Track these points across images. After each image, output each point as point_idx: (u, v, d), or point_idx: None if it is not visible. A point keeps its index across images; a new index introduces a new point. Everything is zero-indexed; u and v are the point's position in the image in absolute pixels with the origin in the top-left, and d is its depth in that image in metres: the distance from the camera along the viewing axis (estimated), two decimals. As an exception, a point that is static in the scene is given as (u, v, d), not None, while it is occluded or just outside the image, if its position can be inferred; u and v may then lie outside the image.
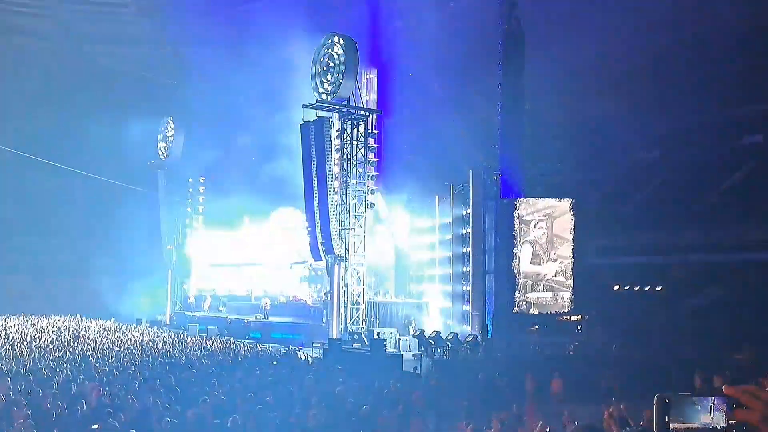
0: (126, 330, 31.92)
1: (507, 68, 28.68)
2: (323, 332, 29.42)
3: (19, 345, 22.10)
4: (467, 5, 35.50)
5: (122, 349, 22.88)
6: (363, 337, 27.21)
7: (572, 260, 27.94)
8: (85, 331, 30.12)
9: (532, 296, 27.57)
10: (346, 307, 29.23)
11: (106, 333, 29.46)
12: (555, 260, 27.86)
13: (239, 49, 43.96)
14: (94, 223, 46.82)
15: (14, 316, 36.35)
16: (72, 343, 23.53)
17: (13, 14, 47.77)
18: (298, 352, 24.34)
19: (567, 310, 27.73)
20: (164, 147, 42.50)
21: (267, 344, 28.78)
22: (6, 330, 27.45)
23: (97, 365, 17.81)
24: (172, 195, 42.95)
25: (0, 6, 47.49)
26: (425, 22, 35.76)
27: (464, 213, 29.58)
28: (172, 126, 41.77)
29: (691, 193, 31.33)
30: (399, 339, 27.55)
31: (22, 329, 28.58)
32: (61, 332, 28.20)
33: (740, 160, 31.37)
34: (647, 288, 30.48)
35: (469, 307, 28.52)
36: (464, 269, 29.11)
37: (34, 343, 23.11)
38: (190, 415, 11.51)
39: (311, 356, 25.07)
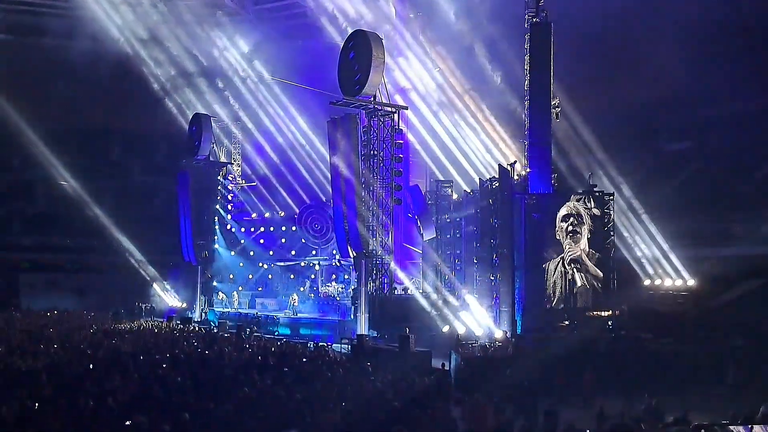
0: (158, 327, 32.26)
1: (534, 61, 28.28)
2: (352, 328, 29.44)
3: (52, 344, 22.37)
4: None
5: (153, 346, 23.10)
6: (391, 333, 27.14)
7: (602, 255, 27.50)
8: (117, 328, 30.52)
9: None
10: (373, 303, 29.20)
11: (137, 330, 29.81)
12: (586, 254, 27.44)
13: (272, 48, 44.27)
14: (123, 222, 47.46)
15: (47, 313, 37.02)
16: (104, 341, 23.81)
17: (39, 15, 48.34)
18: (326, 349, 24.38)
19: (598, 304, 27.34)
20: (195, 145, 42.74)
21: (296, 341, 28.89)
22: (39, 329, 27.82)
23: (129, 362, 17.99)
24: (203, 192, 43.35)
25: (24, 8, 48.32)
26: (449, 16, 35.58)
27: (492, 208, 29.26)
28: (203, 124, 42.02)
29: (725, 183, 30.79)
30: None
31: (55, 327, 28.96)
32: (94, 330, 28.58)
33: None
34: (679, 282, 30.01)
35: (498, 303, 28.24)
36: (493, 265, 28.80)
37: (66, 341, 23.38)
38: (221, 412, 11.59)
39: (340, 352, 25.11)
